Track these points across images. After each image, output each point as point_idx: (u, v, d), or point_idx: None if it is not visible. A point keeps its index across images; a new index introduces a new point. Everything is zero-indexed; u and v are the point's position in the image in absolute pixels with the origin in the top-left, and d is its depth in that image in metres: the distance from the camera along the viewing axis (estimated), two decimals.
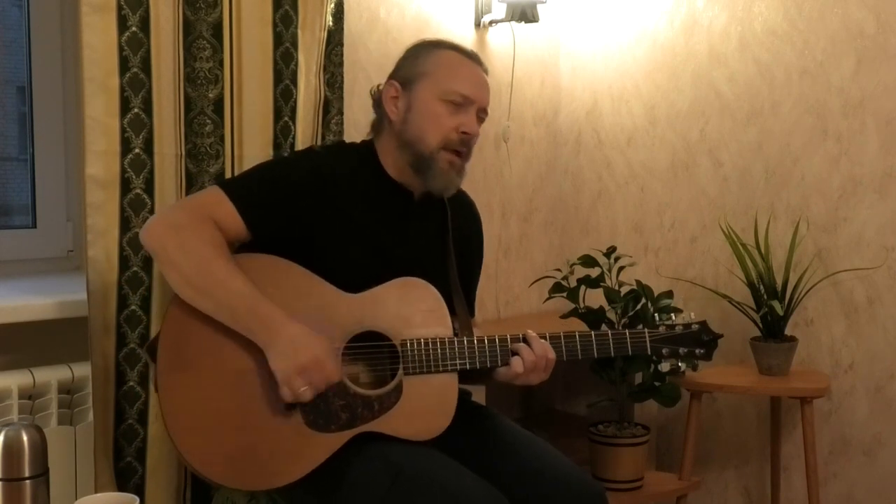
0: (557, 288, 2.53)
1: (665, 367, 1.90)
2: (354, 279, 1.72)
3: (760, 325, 2.50)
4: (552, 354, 1.77)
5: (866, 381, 2.57)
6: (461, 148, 1.79)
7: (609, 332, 1.84)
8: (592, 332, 1.83)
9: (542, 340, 1.77)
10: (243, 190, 1.71)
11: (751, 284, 2.51)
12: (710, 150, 2.84)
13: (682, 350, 1.87)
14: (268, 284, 1.63)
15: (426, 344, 1.71)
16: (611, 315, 2.43)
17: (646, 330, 1.87)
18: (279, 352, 1.59)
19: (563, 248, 3.18)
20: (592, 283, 2.49)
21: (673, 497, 2.60)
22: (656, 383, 2.49)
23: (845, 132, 2.56)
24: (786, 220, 2.67)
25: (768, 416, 2.71)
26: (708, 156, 2.85)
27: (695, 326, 1.89)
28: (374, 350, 1.71)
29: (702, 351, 1.88)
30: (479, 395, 2.31)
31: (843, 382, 2.60)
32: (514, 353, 1.75)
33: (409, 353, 1.70)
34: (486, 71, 1.85)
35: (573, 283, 2.50)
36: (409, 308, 1.74)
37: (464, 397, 1.89)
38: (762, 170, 2.72)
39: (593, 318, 2.43)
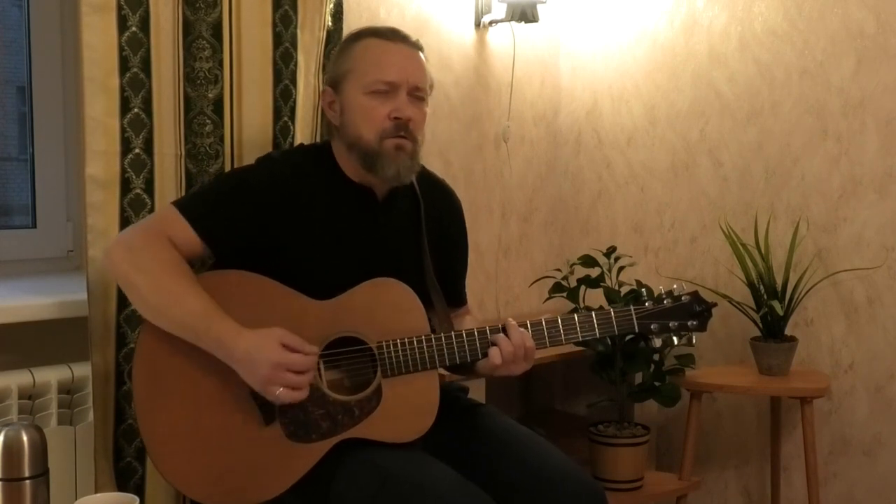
0: (557, 288, 2.53)
1: (657, 343, 1.83)
2: (325, 285, 1.70)
3: (760, 325, 2.50)
4: (531, 343, 1.73)
5: (866, 381, 2.57)
6: (400, 132, 1.74)
7: (593, 312, 1.79)
8: (575, 315, 1.78)
9: (521, 329, 1.74)
10: (197, 206, 1.70)
11: (751, 284, 2.51)
12: (710, 150, 2.84)
13: (672, 324, 1.80)
14: (236, 300, 1.62)
15: (402, 345, 1.69)
16: None
17: (632, 307, 1.80)
18: (242, 368, 1.58)
19: (563, 248, 3.18)
20: (592, 283, 2.49)
21: (673, 497, 2.60)
22: (656, 383, 2.49)
23: (845, 132, 2.56)
24: (786, 220, 2.67)
25: (768, 416, 2.70)
26: (708, 156, 2.85)
27: (685, 298, 1.82)
28: (351, 355, 1.69)
29: (695, 322, 1.81)
30: (478, 393, 2.31)
31: (843, 382, 2.60)
32: (493, 345, 1.73)
33: (385, 355, 1.68)
34: (413, 45, 1.80)
35: (573, 283, 2.51)
36: (383, 309, 1.72)
37: (461, 395, 1.89)
38: (762, 170, 2.72)
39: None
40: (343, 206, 1.78)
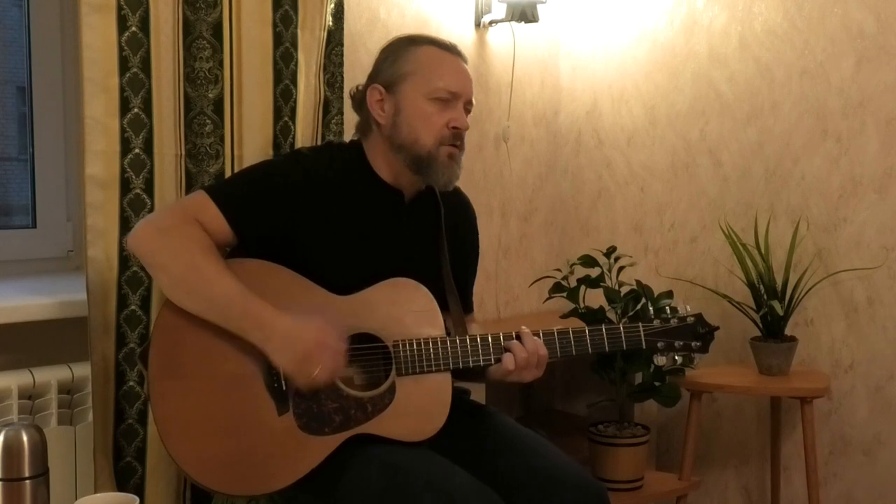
0: (557, 288, 2.53)
1: (661, 360, 1.86)
2: (345, 282, 1.72)
3: (760, 325, 2.50)
4: (544, 351, 1.76)
5: (866, 381, 2.57)
6: (455, 141, 1.78)
7: (603, 327, 1.82)
8: (586, 328, 1.81)
9: (535, 337, 1.76)
10: (228, 194, 1.71)
11: (751, 284, 2.51)
12: (710, 150, 2.84)
13: (677, 343, 1.83)
14: (256, 289, 1.63)
15: (418, 344, 1.70)
16: (611, 315, 2.43)
17: (640, 324, 1.84)
18: (277, 347, 1.59)
19: (563, 248, 3.18)
20: (592, 283, 2.49)
21: (673, 497, 2.60)
22: (656, 383, 2.49)
23: (845, 132, 2.56)
24: (786, 220, 2.67)
25: (768, 416, 2.70)
26: (708, 156, 2.85)
27: (690, 319, 1.85)
28: (366, 352, 1.70)
29: (698, 344, 1.84)
30: (478, 394, 2.31)
31: (843, 382, 2.60)
32: (507, 351, 1.75)
33: (401, 353, 1.69)
34: (465, 61, 1.84)
35: (573, 283, 2.50)
36: (401, 309, 1.73)
37: (463, 396, 1.89)
38: (762, 170, 2.72)
39: (593, 318, 2.43)
40: (371, 205, 1.79)
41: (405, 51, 1.81)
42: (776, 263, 2.53)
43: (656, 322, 1.84)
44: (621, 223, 3.07)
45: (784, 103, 2.67)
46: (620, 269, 2.53)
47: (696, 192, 2.87)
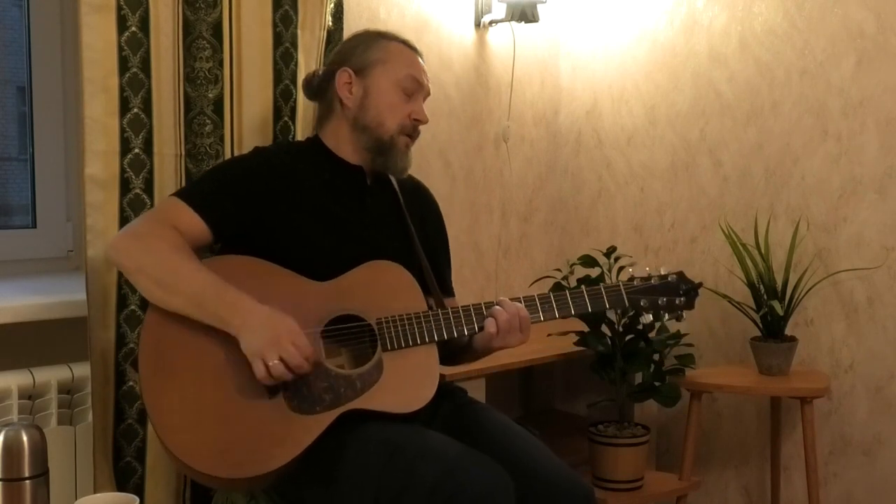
0: (557, 288, 2.52)
1: (647, 319, 1.89)
2: (324, 265, 1.76)
3: (760, 325, 2.50)
4: (525, 313, 1.79)
5: (866, 381, 2.57)
6: (414, 133, 1.90)
7: (583, 287, 1.85)
8: (567, 290, 1.85)
9: (515, 302, 1.80)
10: (199, 193, 1.76)
11: (751, 284, 2.51)
12: (710, 150, 2.84)
13: (661, 300, 1.86)
14: (238, 283, 1.66)
15: (401, 319, 1.74)
16: (610, 314, 2.44)
17: (621, 283, 1.87)
18: (251, 331, 1.60)
19: (563, 248, 3.18)
20: (592, 283, 2.49)
21: (673, 497, 2.60)
22: (656, 383, 2.49)
23: (845, 132, 2.56)
24: (786, 220, 2.67)
25: (768, 416, 2.70)
26: (708, 156, 2.85)
27: (671, 277, 1.89)
28: (351, 332, 1.73)
29: (682, 300, 1.88)
30: (478, 393, 2.31)
31: (843, 382, 2.60)
32: (489, 317, 1.78)
33: (385, 330, 1.73)
34: (424, 62, 1.95)
35: (573, 283, 2.50)
36: (381, 288, 1.77)
37: (460, 393, 1.90)
38: (762, 170, 2.72)
39: (593, 317, 2.43)
40: (334, 183, 1.86)
41: (376, 41, 1.91)
42: (776, 263, 2.53)
43: (637, 281, 1.88)
44: (621, 223, 3.07)
45: (784, 103, 2.67)
46: (620, 269, 2.53)
47: (696, 192, 2.87)
